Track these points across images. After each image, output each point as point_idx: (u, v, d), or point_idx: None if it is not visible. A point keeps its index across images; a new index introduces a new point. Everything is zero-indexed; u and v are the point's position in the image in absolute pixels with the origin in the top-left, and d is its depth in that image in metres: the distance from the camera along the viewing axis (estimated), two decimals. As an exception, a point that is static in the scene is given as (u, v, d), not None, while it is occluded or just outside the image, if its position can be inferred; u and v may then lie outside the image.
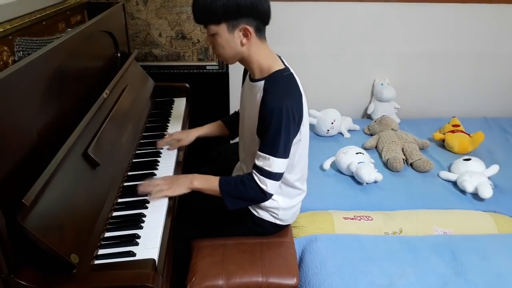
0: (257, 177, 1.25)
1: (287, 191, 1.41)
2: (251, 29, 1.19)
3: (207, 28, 1.21)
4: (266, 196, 1.27)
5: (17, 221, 0.86)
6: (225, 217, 1.46)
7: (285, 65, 1.31)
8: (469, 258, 1.46)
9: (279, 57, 1.34)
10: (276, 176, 1.25)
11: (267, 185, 1.25)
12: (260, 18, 1.20)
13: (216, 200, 1.30)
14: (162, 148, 1.58)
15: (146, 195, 1.30)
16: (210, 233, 1.49)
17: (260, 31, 1.23)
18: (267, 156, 1.22)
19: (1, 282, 0.89)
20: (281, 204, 1.41)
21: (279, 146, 1.21)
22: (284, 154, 1.23)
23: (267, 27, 1.26)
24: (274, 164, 1.22)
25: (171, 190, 1.31)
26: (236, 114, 1.62)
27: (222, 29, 1.18)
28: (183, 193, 1.33)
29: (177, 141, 1.60)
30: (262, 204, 1.40)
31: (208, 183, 1.32)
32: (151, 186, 1.31)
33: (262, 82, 1.25)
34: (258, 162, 1.25)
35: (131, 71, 1.73)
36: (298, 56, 2.46)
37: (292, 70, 1.30)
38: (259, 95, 1.25)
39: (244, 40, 1.21)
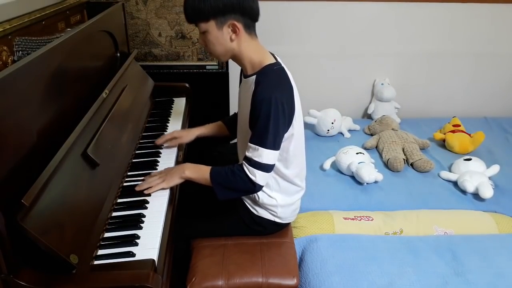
0: (246, 168, 1.26)
1: (285, 187, 1.41)
2: (239, 25, 1.22)
3: (198, 26, 1.25)
4: (256, 187, 1.28)
5: (17, 221, 0.85)
6: (224, 215, 1.46)
7: (276, 60, 1.32)
8: (470, 258, 1.45)
9: (273, 54, 1.36)
10: (265, 167, 1.25)
11: (256, 175, 1.25)
12: (247, 15, 1.23)
13: (216, 198, 1.31)
14: (161, 148, 1.58)
15: (144, 194, 1.31)
16: (209, 232, 1.48)
17: (249, 28, 1.26)
18: (256, 146, 1.23)
19: (1, 282, 0.89)
20: (280, 201, 1.41)
21: (268, 137, 1.22)
22: (274, 145, 1.24)
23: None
24: (263, 154, 1.23)
25: (165, 182, 1.34)
26: (236, 115, 1.62)
27: (211, 26, 1.22)
28: (177, 183, 1.37)
29: (176, 138, 1.60)
30: (261, 202, 1.40)
31: (200, 172, 1.34)
32: (147, 183, 1.34)
33: (254, 77, 1.28)
34: (248, 153, 1.26)
35: (131, 71, 1.73)
36: (298, 56, 2.47)
37: (283, 65, 1.32)
38: (251, 89, 1.27)
39: (233, 36, 1.24)
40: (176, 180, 1.36)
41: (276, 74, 1.28)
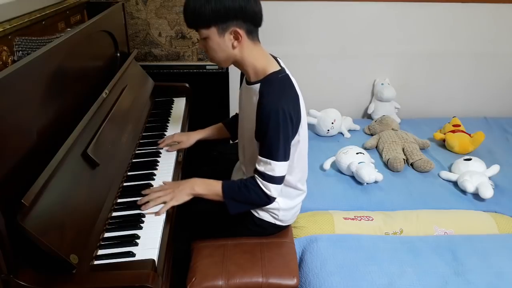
0: (261, 182, 1.25)
1: (287, 192, 1.41)
2: (241, 31, 1.19)
3: (198, 32, 1.22)
4: (270, 200, 1.28)
5: (17, 221, 0.85)
6: (225, 218, 1.45)
7: (280, 66, 1.30)
8: (470, 258, 1.45)
9: (276, 58, 1.34)
10: (278, 180, 1.25)
11: (271, 189, 1.25)
12: (250, 21, 1.19)
13: (216, 202, 1.30)
14: (161, 149, 1.58)
15: (144, 194, 1.28)
16: (210, 234, 1.48)
17: (252, 33, 1.22)
18: (268, 160, 1.22)
19: (1, 283, 0.89)
20: (282, 205, 1.41)
21: (278, 150, 1.21)
22: (284, 157, 1.23)
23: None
24: (276, 168, 1.22)
25: (175, 200, 1.27)
26: (237, 116, 1.62)
27: (212, 33, 1.19)
28: (186, 200, 1.30)
29: (177, 143, 1.60)
30: (262, 205, 1.40)
31: (210, 188, 1.31)
32: (153, 201, 1.25)
33: (258, 85, 1.25)
34: (260, 167, 1.24)
35: (131, 71, 1.73)
36: (298, 56, 2.47)
37: (288, 71, 1.30)
38: (255, 98, 1.24)
39: (235, 43, 1.21)
40: (185, 198, 1.30)
41: (281, 82, 1.25)
